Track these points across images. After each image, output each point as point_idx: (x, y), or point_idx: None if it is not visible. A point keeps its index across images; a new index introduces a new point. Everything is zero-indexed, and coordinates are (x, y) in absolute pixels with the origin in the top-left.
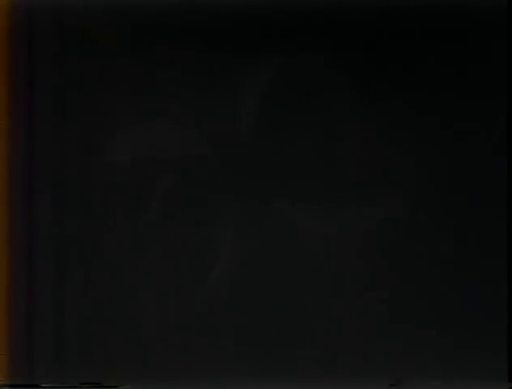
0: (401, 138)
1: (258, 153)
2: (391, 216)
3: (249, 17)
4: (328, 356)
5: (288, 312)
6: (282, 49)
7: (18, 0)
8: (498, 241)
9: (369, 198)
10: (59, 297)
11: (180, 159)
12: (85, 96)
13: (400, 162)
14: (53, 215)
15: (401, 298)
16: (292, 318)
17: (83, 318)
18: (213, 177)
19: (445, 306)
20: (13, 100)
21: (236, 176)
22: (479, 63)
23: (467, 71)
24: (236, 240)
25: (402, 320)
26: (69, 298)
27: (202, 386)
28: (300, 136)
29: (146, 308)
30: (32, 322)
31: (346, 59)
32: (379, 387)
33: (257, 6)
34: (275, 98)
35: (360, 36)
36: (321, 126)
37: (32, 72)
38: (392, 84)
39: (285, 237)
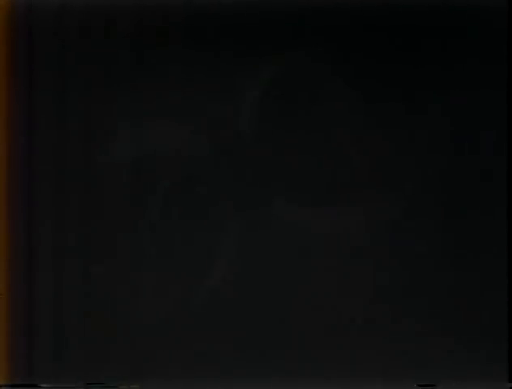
0: (401, 138)
1: (258, 154)
2: (391, 217)
3: (249, 17)
4: (326, 356)
5: (288, 312)
6: (282, 50)
7: (18, 0)
8: (498, 241)
9: (369, 199)
10: (59, 297)
11: (180, 159)
12: (85, 96)
13: (400, 162)
14: (53, 215)
15: (401, 298)
16: (291, 319)
17: (83, 318)
18: (213, 177)
19: (445, 306)
20: (13, 99)
21: (236, 176)
22: (479, 63)
23: (467, 71)
24: (236, 240)
25: (402, 320)
26: (69, 298)
27: (202, 386)
28: (301, 137)
29: (146, 308)
30: (32, 322)
31: (346, 59)
32: (372, 387)
33: (257, 6)
34: (276, 99)
35: (360, 35)
36: (321, 126)
37: (32, 72)
38: (392, 84)
39: (285, 237)
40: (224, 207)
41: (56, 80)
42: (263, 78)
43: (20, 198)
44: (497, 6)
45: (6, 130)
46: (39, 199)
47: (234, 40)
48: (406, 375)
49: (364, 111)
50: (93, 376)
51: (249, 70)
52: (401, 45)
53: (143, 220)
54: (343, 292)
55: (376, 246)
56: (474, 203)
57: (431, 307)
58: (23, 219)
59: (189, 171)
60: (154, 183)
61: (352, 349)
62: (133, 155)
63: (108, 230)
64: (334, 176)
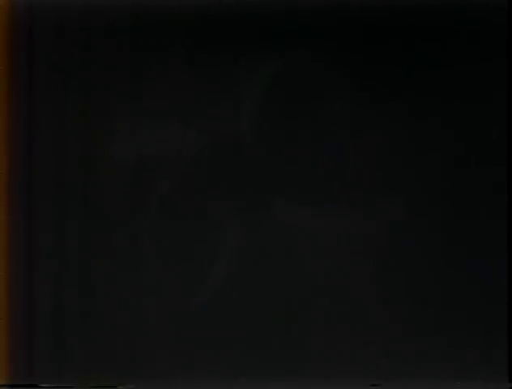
0: (400, 139)
1: (258, 154)
2: (391, 217)
3: (249, 17)
4: (326, 356)
5: (287, 313)
6: (282, 50)
7: (18, 0)
8: (498, 241)
9: (369, 200)
10: (59, 297)
11: (180, 159)
12: (85, 96)
13: (400, 163)
14: (53, 214)
15: (401, 299)
16: (291, 319)
17: (83, 318)
18: (213, 177)
19: (445, 306)
20: (13, 100)
21: (236, 176)
22: (479, 63)
23: (467, 71)
24: (236, 240)
25: (402, 320)
26: (69, 298)
27: (201, 386)
28: (301, 137)
29: (146, 308)
30: (32, 322)
31: (346, 59)
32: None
33: (257, 6)
34: (276, 99)
35: (360, 35)
36: (321, 126)
37: (32, 72)
38: (391, 85)
39: (285, 237)
40: (223, 207)
41: (56, 80)
42: (263, 78)
43: (20, 197)
44: (497, 5)
45: (6, 130)
46: (39, 199)
47: (234, 40)
48: (406, 375)
49: (365, 111)
50: (93, 376)
51: (249, 69)
52: (401, 45)
53: (143, 220)
54: (344, 292)
55: (376, 247)
56: (474, 202)
57: (431, 307)
58: (23, 219)
59: (189, 171)
60: (154, 183)
61: (352, 349)
62: (133, 155)
63: (109, 230)
64: (334, 176)
